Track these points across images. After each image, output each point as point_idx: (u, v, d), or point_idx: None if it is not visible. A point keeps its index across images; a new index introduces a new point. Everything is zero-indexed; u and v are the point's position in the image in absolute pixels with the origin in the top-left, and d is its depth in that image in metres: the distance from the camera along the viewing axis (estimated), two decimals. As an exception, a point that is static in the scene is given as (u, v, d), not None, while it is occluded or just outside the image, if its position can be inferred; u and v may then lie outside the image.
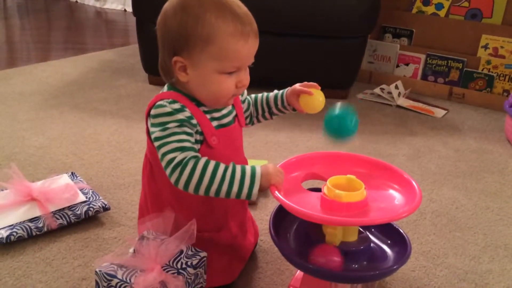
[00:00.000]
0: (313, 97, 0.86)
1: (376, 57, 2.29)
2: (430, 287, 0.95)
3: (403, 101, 2.02)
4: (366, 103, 2.02)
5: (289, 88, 0.91)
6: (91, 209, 1.07)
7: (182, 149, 0.75)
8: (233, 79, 0.78)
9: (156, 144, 0.76)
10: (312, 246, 0.75)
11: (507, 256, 1.05)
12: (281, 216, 0.82)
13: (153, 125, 0.78)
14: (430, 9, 2.17)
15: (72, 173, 1.21)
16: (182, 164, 0.73)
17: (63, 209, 1.05)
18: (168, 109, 0.76)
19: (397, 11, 2.24)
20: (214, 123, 0.82)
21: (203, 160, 0.74)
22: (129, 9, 3.93)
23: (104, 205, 1.09)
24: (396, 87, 2.05)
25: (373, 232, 0.83)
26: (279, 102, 0.92)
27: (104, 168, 1.33)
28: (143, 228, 0.81)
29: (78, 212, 1.05)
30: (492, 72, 2.04)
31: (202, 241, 0.84)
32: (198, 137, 0.79)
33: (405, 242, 0.79)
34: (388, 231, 0.83)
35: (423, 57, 2.17)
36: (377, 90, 2.07)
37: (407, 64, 2.22)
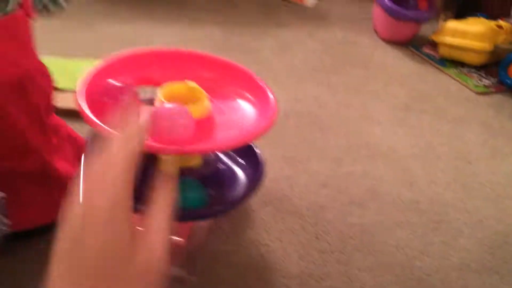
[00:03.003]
0: None
1: None
2: (291, 197, 0.88)
3: (272, -12, 1.84)
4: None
5: None
6: None
7: None
8: None
9: None
10: (143, 178, 0.59)
11: (368, 155, 1.01)
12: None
13: None
14: None
15: None
16: None
17: None
18: None
19: None
20: None
21: None
22: None
23: None
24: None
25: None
26: None
27: None
28: None
29: None
30: (362, -44, 1.92)
31: (4, 173, 0.64)
32: None
33: (259, 161, 0.66)
34: (242, 149, 0.69)
35: None
36: (244, -25, 1.86)
37: None
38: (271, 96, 0.63)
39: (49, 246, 0.70)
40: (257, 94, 0.65)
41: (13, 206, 0.62)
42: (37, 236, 0.71)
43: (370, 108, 1.18)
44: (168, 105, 0.55)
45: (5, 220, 0.63)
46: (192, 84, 0.61)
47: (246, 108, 0.63)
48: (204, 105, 0.59)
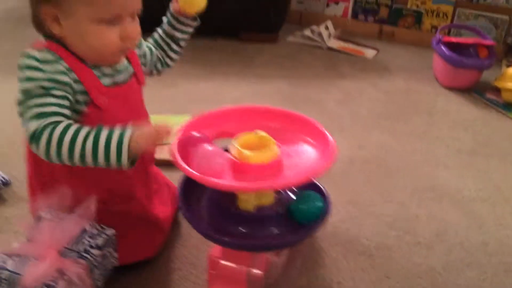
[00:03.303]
0: None
1: (305, -4, 2.19)
2: (360, 238, 0.93)
3: (333, 43, 1.95)
4: (297, 46, 1.94)
5: None
6: (-13, 185, 0.94)
7: (39, 116, 0.64)
8: (115, 31, 0.67)
9: (19, 110, 0.66)
10: (225, 215, 0.69)
11: (433, 198, 1.05)
12: (192, 183, 0.73)
13: (19, 79, 0.67)
14: None
15: (-36, 145, 1.06)
16: (36, 134, 0.63)
17: (-47, 188, 0.92)
18: (33, 62, 0.65)
19: None
20: (105, 80, 0.71)
21: (60, 127, 0.63)
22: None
23: (3, 179, 0.97)
24: (326, 27, 1.98)
25: (293, 190, 0.77)
26: (172, 20, 0.83)
27: (6, 136, 1.18)
28: (36, 207, 0.71)
29: (-28, 191, 0.93)
30: (420, 8, 2.01)
31: (112, 215, 0.75)
32: (81, 97, 0.68)
33: (325, 198, 0.74)
34: (308, 187, 0.77)
35: (352, -6, 2.09)
36: (307, 32, 1.99)
37: (337, 3, 2.14)
38: (330, 138, 0.71)
39: (146, 278, 0.80)
40: (318, 138, 0.73)
41: (120, 243, 0.72)
42: (137, 269, 0.81)
43: (436, 152, 1.22)
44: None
45: (115, 254, 0.74)
46: (262, 133, 0.71)
47: (309, 151, 0.72)
48: (273, 150, 0.68)
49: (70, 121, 0.64)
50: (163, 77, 1.12)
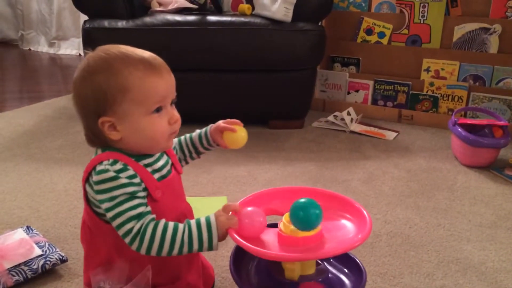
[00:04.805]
0: (236, 133, 0.90)
1: (327, 86, 2.38)
2: (388, 308, 0.98)
3: (356, 127, 2.09)
4: (321, 130, 2.09)
5: (211, 125, 0.93)
6: (47, 262, 1.05)
7: (138, 217, 0.75)
8: (163, 117, 0.79)
9: (109, 215, 0.76)
10: (272, 282, 0.78)
11: (459, 270, 1.10)
12: (242, 253, 0.84)
13: (98, 192, 0.76)
14: (373, 38, 2.28)
15: (27, 226, 1.20)
16: (141, 233, 0.74)
17: (19, 265, 1.03)
18: (111, 173, 0.75)
19: (343, 41, 2.34)
20: (156, 175, 0.82)
21: (161, 226, 0.75)
22: (84, 53, 3.91)
23: (61, 257, 1.08)
24: (348, 113, 2.13)
25: (331, 262, 0.86)
26: (204, 141, 0.94)
27: (61, 218, 1.31)
28: (97, 279, 0.81)
29: (35, 267, 1.04)
30: (436, 93, 2.15)
31: None
32: (143, 193, 0.79)
33: (361, 270, 0.82)
34: (345, 260, 0.86)
35: (371, 83, 2.27)
36: (330, 118, 2.14)
37: (357, 91, 2.31)
38: (366, 214, 0.80)
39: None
40: (355, 214, 0.83)
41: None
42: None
43: (458, 227, 1.28)
44: (249, 208, 0.76)
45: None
46: None
47: (347, 226, 0.81)
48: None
49: (163, 219, 0.76)
50: (201, 163, 1.24)
